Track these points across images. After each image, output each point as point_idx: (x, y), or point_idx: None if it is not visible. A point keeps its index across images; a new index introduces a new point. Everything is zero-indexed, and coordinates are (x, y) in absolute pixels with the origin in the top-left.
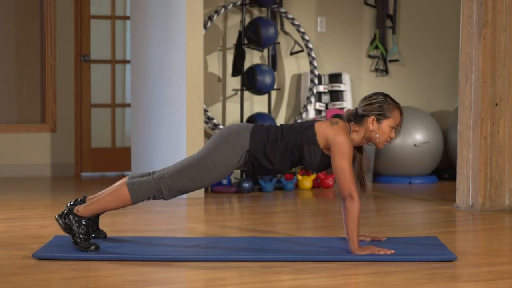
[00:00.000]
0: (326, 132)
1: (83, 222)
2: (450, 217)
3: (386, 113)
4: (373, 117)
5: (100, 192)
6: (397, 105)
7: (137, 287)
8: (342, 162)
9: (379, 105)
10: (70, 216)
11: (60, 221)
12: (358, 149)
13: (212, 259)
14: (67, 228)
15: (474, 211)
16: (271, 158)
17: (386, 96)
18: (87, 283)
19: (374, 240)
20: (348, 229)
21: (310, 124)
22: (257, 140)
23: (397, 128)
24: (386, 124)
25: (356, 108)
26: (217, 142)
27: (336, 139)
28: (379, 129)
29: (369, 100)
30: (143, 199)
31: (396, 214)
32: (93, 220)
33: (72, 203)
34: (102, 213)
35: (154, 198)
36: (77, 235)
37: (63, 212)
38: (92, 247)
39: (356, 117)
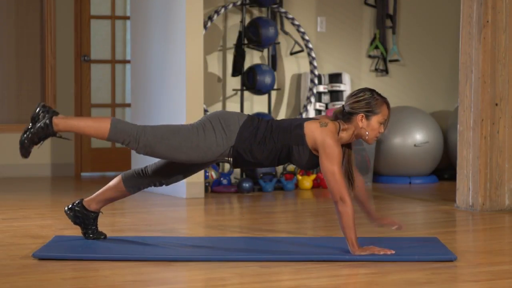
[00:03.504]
0: (315, 134)
1: (49, 130)
2: (450, 217)
3: (374, 110)
4: (362, 114)
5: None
6: (384, 99)
7: (137, 287)
8: (332, 166)
9: (366, 101)
10: (48, 115)
11: (70, 213)
12: (346, 145)
13: (212, 259)
14: (76, 220)
15: (474, 211)
16: (257, 156)
17: (372, 91)
18: (87, 283)
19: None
20: (345, 233)
21: (300, 123)
22: (244, 138)
23: (385, 123)
24: (375, 120)
25: (343, 105)
26: (208, 124)
27: (325, 143)
28: (368, 125)
29: (355, 97)
30: (118, 140)
31: (396, 214)
32: (92, 220)
33: (69, 206)
34: (73, 132)
35: (128, 145)
36: (33, 132)
37: (73, 204)
38: (26, 155)
39: (344, 115)
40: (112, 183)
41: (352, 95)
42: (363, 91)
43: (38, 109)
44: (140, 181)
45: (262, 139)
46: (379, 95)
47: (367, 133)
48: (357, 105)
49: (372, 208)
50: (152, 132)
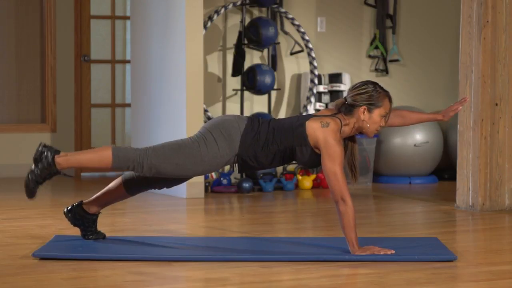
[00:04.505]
0: (317, 134)
1: (53, 169)
2: (450, 217)
3: (377, 103)
4: (364, 107)
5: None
6: (386, 93)
7: (137, 287)
8: (333, 166)
9: (369, 94)
10: (49, 155)
11: (69, 215)
12: (350, 139)
13: (212, 259)
14: (76, 222)
15: (474, 211)
16: (262, 161)
17: (375, 84)
18: (87, 283)
19: None
20: (345, 233)
21: (301, 122)
22: (247, 145)
23: (386, 116)
24: (377, 113)
25: (345, 97)
26: (209, 136)
27: (327, 143)
28: (370, 118)
29: (358, 89)
30: (122, 167)
31: (396, 214)
32: (92, 222)
33: (69, 208)
34: (76, 168)
35: (133, 170)
36: (37, 173)
37: (72, 206)
38: (32, 196)
39: (346, 107)
40: (112, 185)
41: (355, 87)
42: (366, 84)
43: (39, 149)
44: (140, 184)
45: (265, 144)
46: (381, 88)
47: (368, 125)
48: (359, 97)
49: (424, 113)
50: (154, 154)
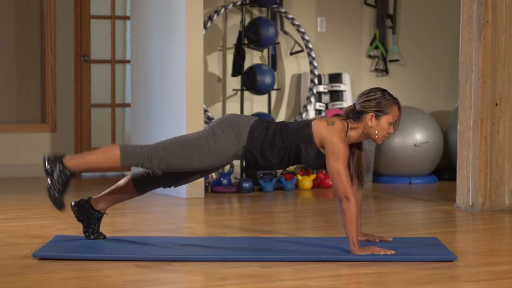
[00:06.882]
0: (322, 132)
1: (67, 173)
2: (450, 217)
3: (385, 110)
4: (372, 113)
5: (104, 191)
6: (395, 100)
7: (137, 287)
8: (337, 165)
9: (377, 101)
10: (57, 162)
11: (76, 208)
12: (357, 146)
13: (212, 259)
14: (80, 216)
15: (474, 211)
16: (268, 156)
17: (384, 91)
18: (87, 283)
19: (382, 241)
20: (347, 231)
21: (307, 122)
22: (255, 138)
23: (395, 124)
24: (385, 120)
25: (354, 104)
26: (218, 128)
27: (331, 141)
28: (378, 125)
29: (367, 96)
30: (131, 164)
31: (396, 214)
32: (96, 220)
33: (76, 202)
34: (87, 170)
35: (142, 165)
36: (55, 183)
37: (80, 200)
38: (61, 206)
39: (354, 114)
40: (121, 182)
41: (363, 94)
42: (374, 91)
43: (45, 162)
44: (149, 182)
45: (272, 138)
46: (390, 95)
47: (376, 132)
48: (367, 104)
49: (359, 224)
50: (162, 147)
